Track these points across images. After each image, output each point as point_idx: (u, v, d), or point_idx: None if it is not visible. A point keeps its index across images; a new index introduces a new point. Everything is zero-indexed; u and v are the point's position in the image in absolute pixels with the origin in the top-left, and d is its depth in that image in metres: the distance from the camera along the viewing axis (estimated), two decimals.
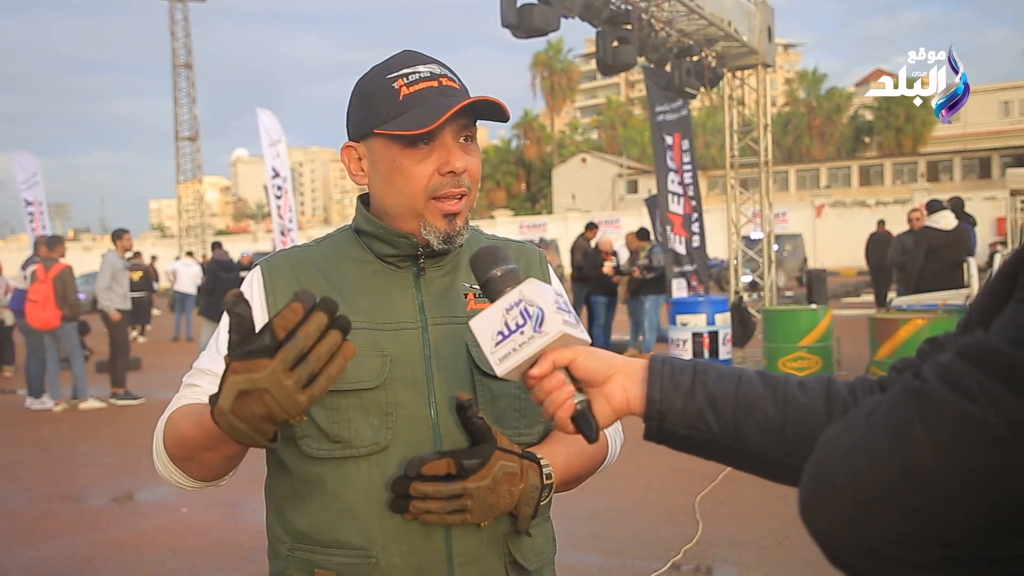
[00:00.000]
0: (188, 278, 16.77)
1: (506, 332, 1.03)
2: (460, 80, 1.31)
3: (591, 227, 12.65)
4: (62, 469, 6.83)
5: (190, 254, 24.57)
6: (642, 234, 11.98)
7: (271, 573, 1.35)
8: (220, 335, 1.34)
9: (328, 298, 0.98)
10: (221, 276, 12.17)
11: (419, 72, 1.27)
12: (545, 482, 1.26)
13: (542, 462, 1.27)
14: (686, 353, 8.92)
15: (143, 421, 8.70)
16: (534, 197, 60.34)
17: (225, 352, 1.02)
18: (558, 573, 1.44)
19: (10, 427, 8.72)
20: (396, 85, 1.26)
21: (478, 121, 1.31)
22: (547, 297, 1.03)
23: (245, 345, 0.99)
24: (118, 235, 10.10)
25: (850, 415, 0.69)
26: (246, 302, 0.99)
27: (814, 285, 13.59)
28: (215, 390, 1.27)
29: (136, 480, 6.44)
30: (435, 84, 1.26)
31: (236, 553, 4.70)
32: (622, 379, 1.00)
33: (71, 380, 9.68)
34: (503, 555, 1.30)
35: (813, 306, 9.34)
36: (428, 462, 1.18)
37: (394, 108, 1.25)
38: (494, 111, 1.28)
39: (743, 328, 10.54)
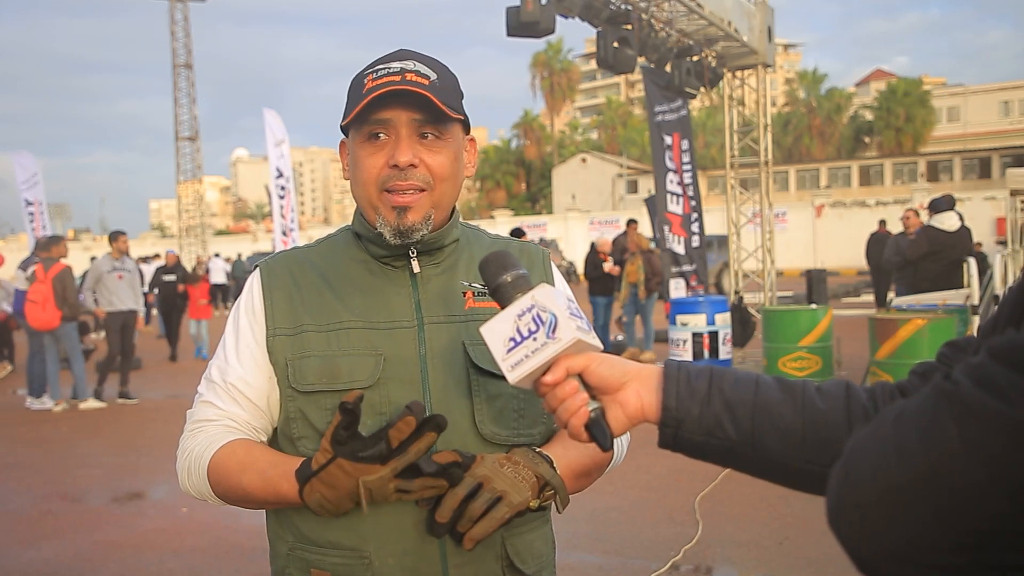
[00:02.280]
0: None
1: (518, 338, 1.01)
2: (441, 78, 1.28)
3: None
4: (62, 469, 6.82)
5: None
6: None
7: (272, 573, 1.36)
8: (227, 341, 1.35)
9: (440, 416, 1.08)
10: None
11: (390, 67, 1.28)
12: (531, 447, 1.26)
13: (517, 443, 1.28)
14: (686, 353, 8.92)
15: (143, 421, 8.71)
16: (534, 197, 60.31)
17: (328, 442, 1.11)
18: (559, 573, 1.43)
19: (10, 427, 8.71)
20: (366, 80, 1.28)
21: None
22: (559, 303, 1.01)
23: (358, 448, 1.09)
24: (114, 237, 10.06)
25: (878, 418, 0.68)
26: (361, 403, 1.08)
27: (814, 285, 13.60)
28: (235, 409, 1.31)
29: (136, 480, 6.44)
30: (397, 78, 1.25)
31: (236, 553, 4.70)
32: (636, 386, 0.98)
33: (71, 380, 9.69)
34: (500, 558, 1.30)
35: (813, 306, 9.34)
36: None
37: (356, 102, 1.27)
38: (436, 109, 1.26)
39: (743, 328, 10.53)
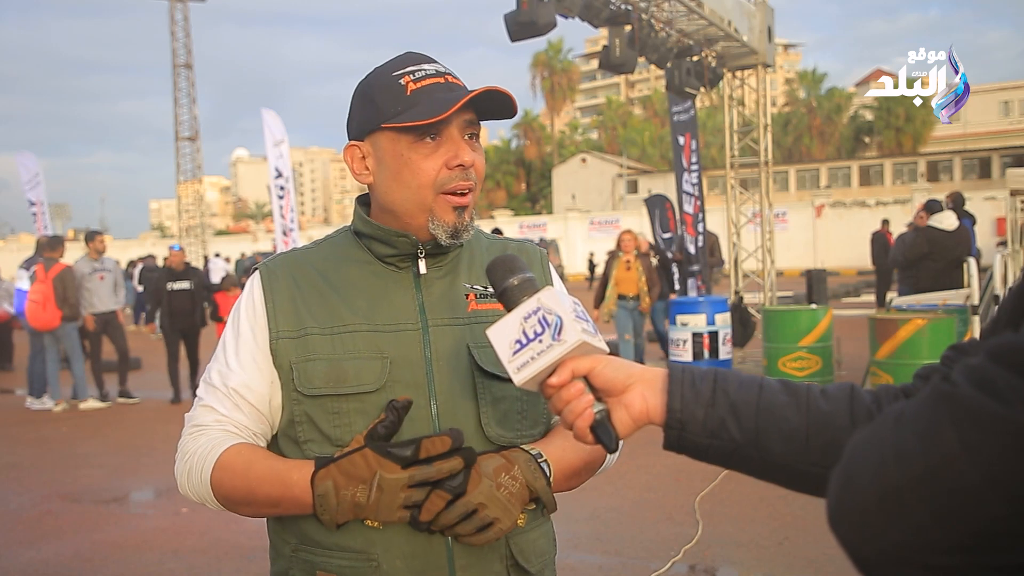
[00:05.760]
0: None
1: (524, 341, 1.02)
2: (463, 82, 1.33)
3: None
4: (62, 469, 6.82)
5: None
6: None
7: (273, 573, 1.35)
8: (227, 344, 1.34)
9: (472, 451, 1.17)
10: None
11: (424, 70, 1.29)
12: (536, 457, 1.25)
13: (520, 444, 1.28)
14: (686, 354, 8.91)
15: (143, 422, 8.71)
16: (534, 197, 60.31)
17: (363, 437, 1.19)
18: (559, 573, 1.43)
19: (10, 427, 8.71)
20: (403, 81, 1.27)
21: (482, 122, 1.32)
22: (565, 305, 1.02)
23: (390, 445, 1.15)
24: (90, 237, 9.82)
25: (878, 420, 0.68)
26: (408, 408, 1.19)
27: (814, 285, 13.59)
28: (237, 414, 1.30)
29: (136, 480, 6.44)
30: (441, 80, 1.28)
31: (236, 553, 4.70)
32: (642, 388, 0.98)
33: (71, 380, 9.68)
34: (504, 557, 1.30)
35: (813, 306, 9.34)
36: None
37: (401, 103, 1.26)
38: (500, 108, 1.29)
39: (743, 328, 10.53)
